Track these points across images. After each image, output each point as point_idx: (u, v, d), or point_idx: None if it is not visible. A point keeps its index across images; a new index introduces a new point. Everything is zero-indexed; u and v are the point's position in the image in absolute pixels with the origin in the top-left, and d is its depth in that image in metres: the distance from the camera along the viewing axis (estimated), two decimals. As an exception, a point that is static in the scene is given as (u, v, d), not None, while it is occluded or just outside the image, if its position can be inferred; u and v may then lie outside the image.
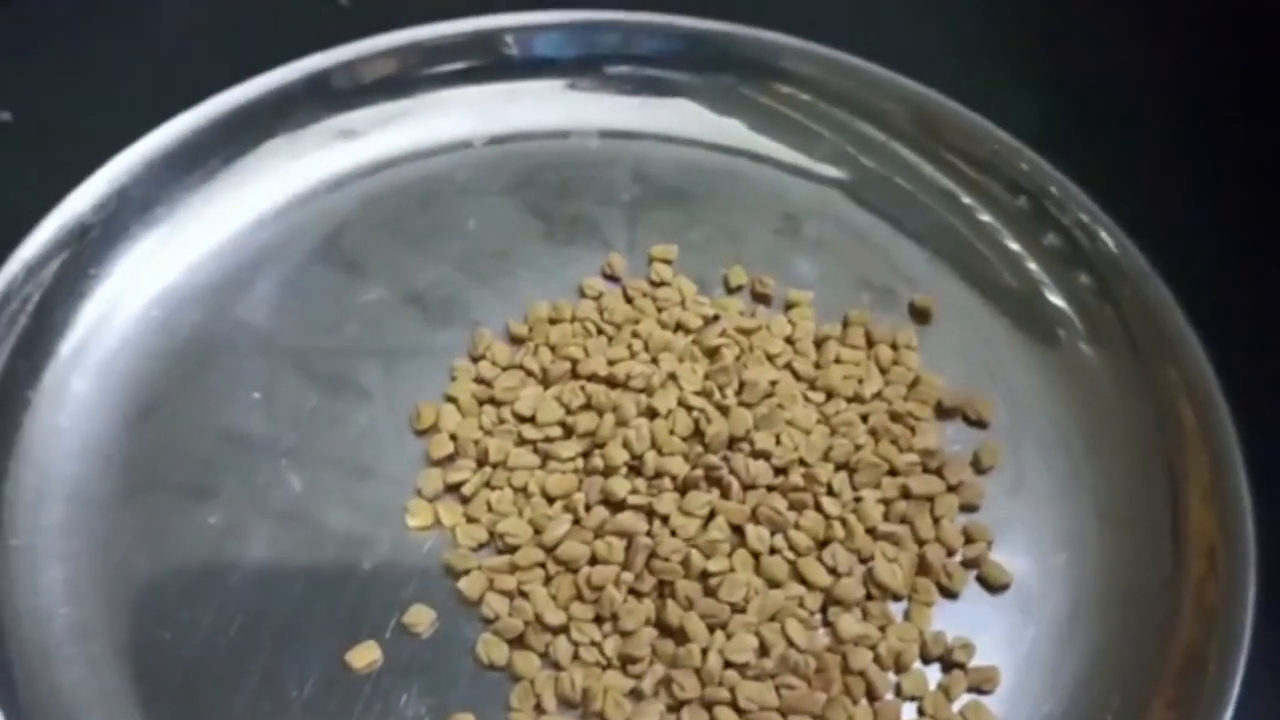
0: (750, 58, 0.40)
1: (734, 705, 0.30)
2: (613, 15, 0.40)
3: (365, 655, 0.30)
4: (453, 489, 0.33)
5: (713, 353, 0.35)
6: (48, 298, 0.34)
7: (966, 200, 0.38)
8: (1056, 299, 0.36)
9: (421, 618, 0.31)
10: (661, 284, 0.37)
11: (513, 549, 0.32)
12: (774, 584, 0.31)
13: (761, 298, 0.37)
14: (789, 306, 0.37)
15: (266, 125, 0.38)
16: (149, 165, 0.36)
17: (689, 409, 0.33)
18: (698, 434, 0.33)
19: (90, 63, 0.42)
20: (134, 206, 0.36)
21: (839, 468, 0.33)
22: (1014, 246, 0.37)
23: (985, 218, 0.38)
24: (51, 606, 0.30)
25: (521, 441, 0.34)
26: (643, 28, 0.40)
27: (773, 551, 0.32)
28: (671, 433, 0.33)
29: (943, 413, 0.35)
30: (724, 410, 0.33)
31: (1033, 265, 0.37)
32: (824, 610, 0.31)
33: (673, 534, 0.31)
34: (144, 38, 0.43)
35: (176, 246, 0.36)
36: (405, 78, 0.39)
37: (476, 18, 0.40)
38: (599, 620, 0.31)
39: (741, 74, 0.40)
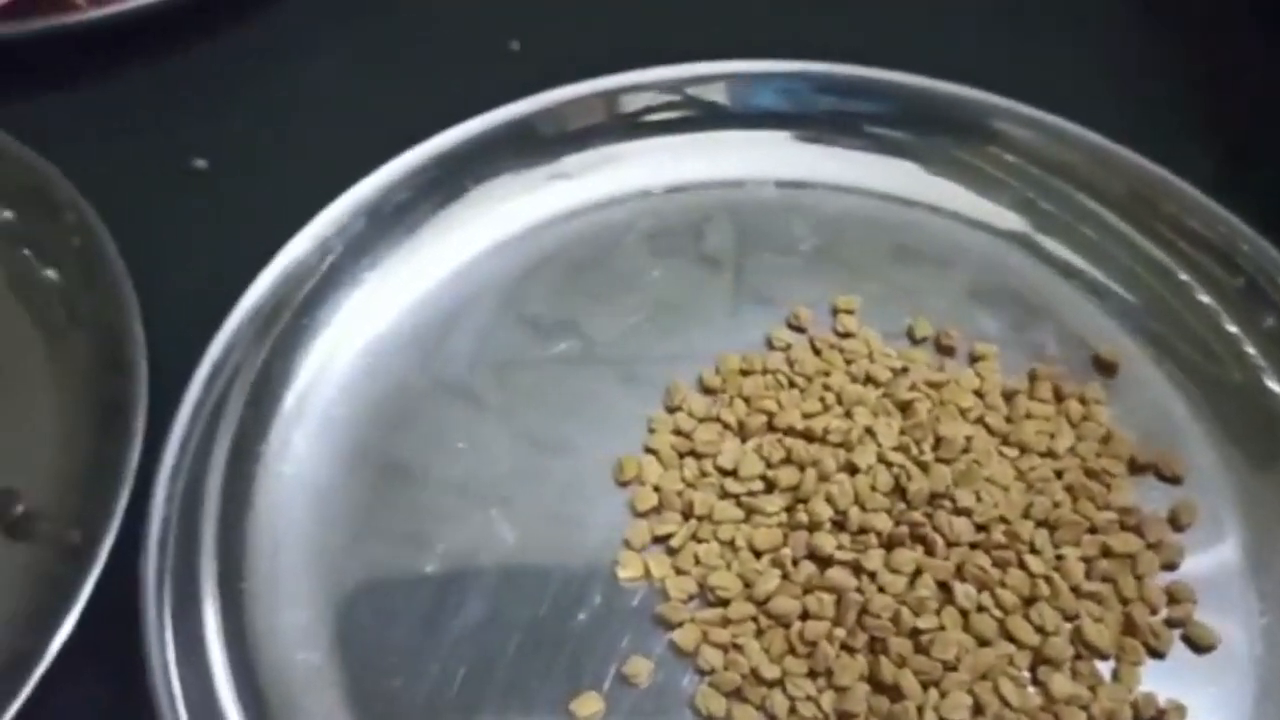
0: (949, 115, 0.40)
1: (951, 762, 0.30)
2: (804, 66, 0.41)
3: (589, 705, 0.31)
4: (659, 540, 0.34)
5: (905, 407, 0.36)
6: (274, 349, 0.35)
7: (1181, 274, 0.38)
8: (1274, 385, 0.37)
9: (640, 669, 0.32)
10: (847, 335, 0.38)
11: (724, 602, 0.33)
12: (983, 642, 0.32)
13: (946, 350, 0.38)
14: (974, 359, 0.37)
15: (470, 172, 0.39)
16: (360, 213, 0.38)
17: (888, 465, 0.34)
18: (898, 490, 0.34)
19: (277, 113, 0.44)
20: (348, 254, 0.37)
21: (1039, 525, 0.34)
22: (1232, 329, 0.37)
23: (1203, 298, 0.38)
24: (288, 653, 0.31)
25: (724, 495, 0.34)
26: (838, 80, 0.41)
27: (980, 609, 0.32)
28: (873, 488, 0.34)
29: (1135, 469, 0.35)
30: (923, 466, 0.34)
31: (1251, 349, 0.37)
32: (1032, 669, 0.32)
33: (880, 590, 0.32)
34: (326, 89, 0.45)
35: (386, 294, 0.38)
36: (596, 127, 0.40)
37: (676, 66, 0.41)
38: (813, 675, 0.31)
39: (935, 129, 0.41)
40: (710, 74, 0.41)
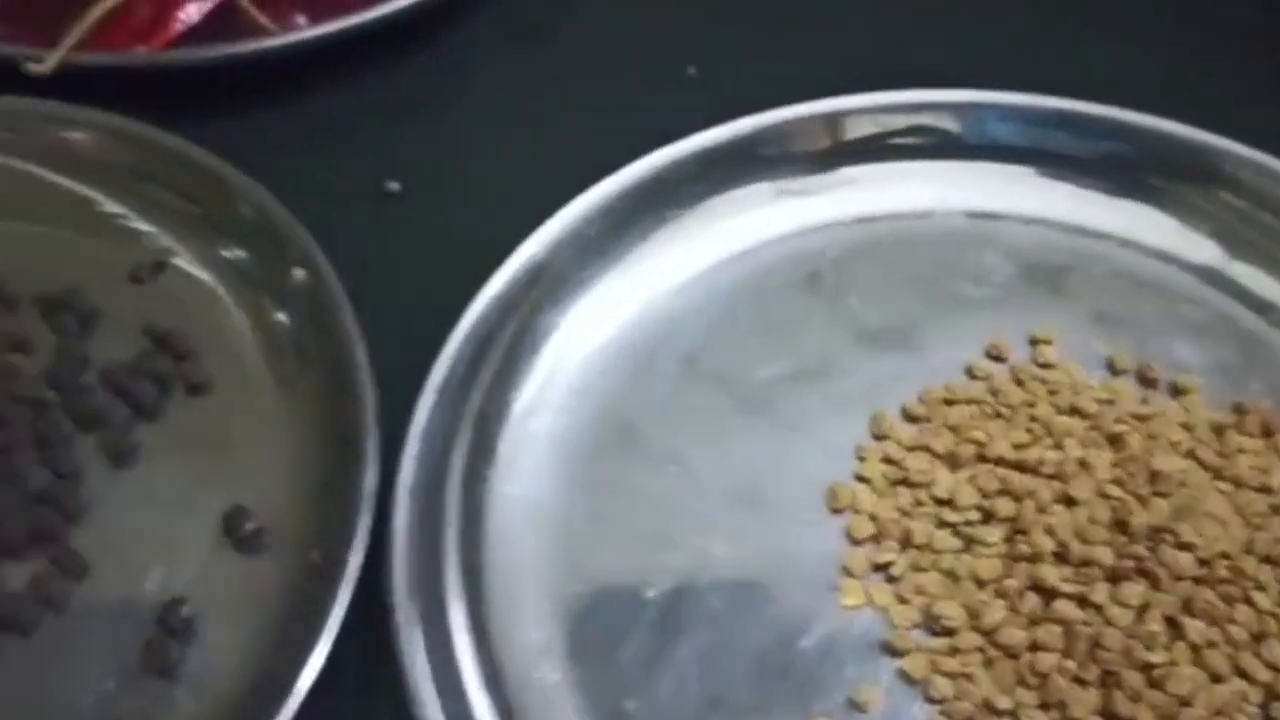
0: (1168, 155, 0.41)
1: (1191, 798, 0.30)
2: (1009, 98, 0.42)
3: (825, 731, 0.31)
4: (879, 569, 0.34)
5: (1115, 439, 0.36)
6: (497, 369, 0.36)
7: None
8: None
9: (871, 696, 0.32)
10: (1048, 366, 0.38)
11: (950, 632, 0.33)
12: (1216, 678, 0.32)
13: (1149, 382, 0.38)
14: (1177, 392, 0.38)
15: (677, 194, 0.40)
16: (591, 221, 0.39)
17: (1105, 497, 0.34)
18: (1117, 523, 0.34)
19: (463, 135, 0.45)
20: (567, 269, 0.38)
21: (1262, 561, 0.34)
22: None
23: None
24: (525, 672, 0.32)
25: (941, 524, 0.35)
26: (1032, 112, 0.42)
27: (1211, 645, 0.32)
28: (1092, 521, 0.34)
29: (1350, 506, 0.35)
30: (1141, 499, 0.34)
31: None
32: (1264, 705, 0.32)
33: (1108, 624, 0.32)
34: (504, 112, 0.46)
35: (604, 309, 0.38)
36: (817, 151, 0.41)
37: (896, 91, 0.42)
38: (1045, 707, 0.32)
39: (1144, 166, 0.41)
40: (931, 102, 0.42)
